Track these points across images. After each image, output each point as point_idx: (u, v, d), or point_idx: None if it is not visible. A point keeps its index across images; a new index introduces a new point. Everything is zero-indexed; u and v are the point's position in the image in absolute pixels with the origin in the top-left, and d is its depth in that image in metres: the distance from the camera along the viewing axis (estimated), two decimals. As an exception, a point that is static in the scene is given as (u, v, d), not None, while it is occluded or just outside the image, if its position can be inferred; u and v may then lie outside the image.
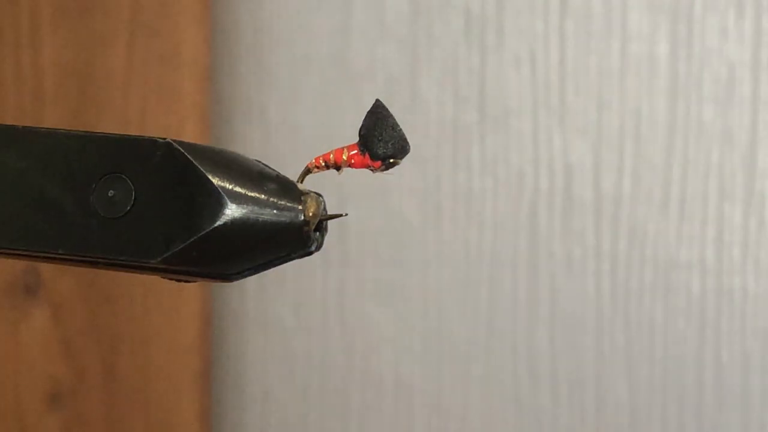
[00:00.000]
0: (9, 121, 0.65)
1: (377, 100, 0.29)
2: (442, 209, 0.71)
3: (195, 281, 0.29)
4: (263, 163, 0.29)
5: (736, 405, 0.69)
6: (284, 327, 0.73)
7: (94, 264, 0.29)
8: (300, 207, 0.28)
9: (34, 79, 0.68)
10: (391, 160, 0.29)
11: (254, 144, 0.72)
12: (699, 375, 0.69)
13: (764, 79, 0.67)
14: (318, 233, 0.29)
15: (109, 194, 0.28)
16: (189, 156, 0.28)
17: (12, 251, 0.29)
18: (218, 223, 0.27)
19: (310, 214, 0.28)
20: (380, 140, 0.29)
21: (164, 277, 0.29)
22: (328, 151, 0.30)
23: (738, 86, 0.67)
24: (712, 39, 0.67)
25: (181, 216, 0.28)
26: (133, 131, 0.67)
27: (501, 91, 0.70)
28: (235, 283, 0.30)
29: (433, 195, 0.71)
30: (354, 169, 0.30)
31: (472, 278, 0.71)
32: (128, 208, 0.28)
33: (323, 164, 0.30)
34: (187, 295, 0.69)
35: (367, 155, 0.29)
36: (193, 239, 0.27)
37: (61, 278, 0.68)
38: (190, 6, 0.68)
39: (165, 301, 0.69)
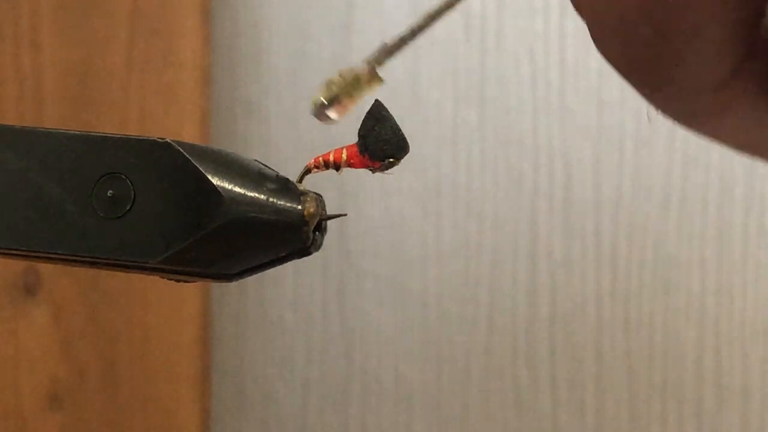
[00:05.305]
0: (9, 121, 0.65)
1: (377, 101, 0.29)
2: (442, 209, 0.71)
3: (195, 281, 0.29)
4: (262, 163, 0.29)
5: (736, 405, 0.69)
6: (284, 327, 0.73)
7: (93, 264, 0.29)
8: (299, 207, 0.28)
9: (34, 79, 0.68)
10: (391, 160, 0.29)
11: (254, 144, 0.72)
12: (699, 375, 0.69)
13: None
14: (317, 233, 0.29)
15: (109, 194, 0.28)
16: (188, 156, 0.28)
17: (11, 251, 0.29)
18: (218, 223, 0.27)
19: (310, 214, 0.28)
20: (380, 140, 0.29)
21: (164, 277, 0.29)
22: (328, 151, 0.30)
23: (738, 86, 0.67)
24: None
25: (180, 216, 0.27)
26: (133, 131, 0.67)
27: (501, 91, 0.70)
28: (235, 283, 0.30)
29: (433, 195, 0.71)
30: (354, 169, 0.30)
31: (472, 278, 0.71)
32: (128, 208, 0.28)
33: (323, 164, 0.30)
34: (186, 295, 0.69)
35: (366, 155, 0.29)
36: (192, 239, 0.27)
37: (61, 278, 0.68)
38: (190, 6, 0.68)
39: (165, 301, 0.69)
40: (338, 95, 0.29)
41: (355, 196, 0.71)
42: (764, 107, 0.26)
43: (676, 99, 0.25)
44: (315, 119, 0.29)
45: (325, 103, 0.29)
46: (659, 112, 0.26)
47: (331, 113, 0.29)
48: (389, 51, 0.29)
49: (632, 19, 0.23)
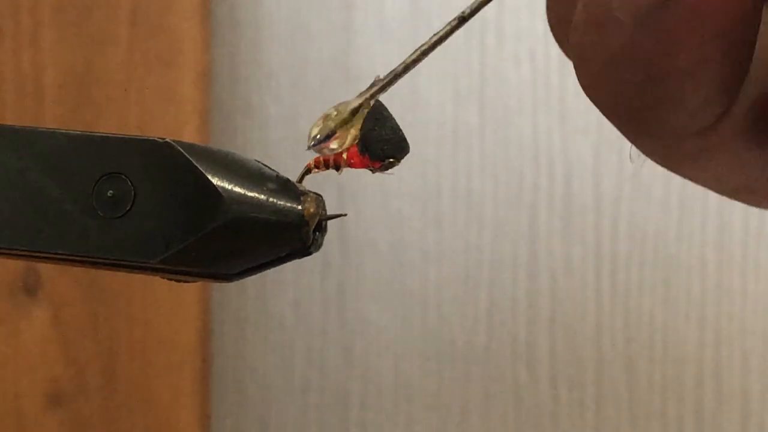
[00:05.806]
0: (9, 121, 0.65)
1: (377, 101, 0.29)
2: (442, 209, 0.71)
3: (195, 281, 0.29)
4: (262, 163, 0.29)
5: (736, 405, 0.69)
6: (284, 327, 0.73)
7: (93, 264, 0.29)
8: (299, 207, 0.28)
9: (34, 79, 0.68)
10: (391, 160, 0.29)
11: (254, 144, 0.72)
12: (699, 375, 0.69)
13: (764, 79, 0.67)
14: (317, 233, 0.29)
15: (109, 194, 0.28)
16: (188, 156, 0.28)
17: (11, 251, 0.29)
18: (218, 223, 0.27)
19: (310, 214, 0.28)
20: (380, 140, 0.29)
21: (164, 277, 0.29)
22: (328, 151, 0.30)
23: (738, 86, 0.67)
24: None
25: (180, 216, 0.28)
26: (133, 131, 0.67)
27: (501, 91, 0.70)
28: (235, 283, 0.30)
29: (433, 195, 0.71)
30: (354, 169, 0.30)
31: (472, 278, 0.71)
32: (128, 208, 0.28)
33: (323, 164, 0.30)
34: (186, 295, 0.69)
35: (366, 155, 0.29)
36: (192, 239, 0.27)
37: (61, 278, 0.68)
38: (190, 6, 0.68)
39: (165, 302, 0.69)
40: (334, 129, 0.29)
41: (355, 196, 0.71)
42: (747, 151, 0.25)
43: (660, 142, 0.25)
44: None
45: (321, 138, 0.29)
46: (641, 152, 0.26)
47: (328, 146, 0.29)
48: (382, 86, 0.29)
49: (620, 61, 0.22)
